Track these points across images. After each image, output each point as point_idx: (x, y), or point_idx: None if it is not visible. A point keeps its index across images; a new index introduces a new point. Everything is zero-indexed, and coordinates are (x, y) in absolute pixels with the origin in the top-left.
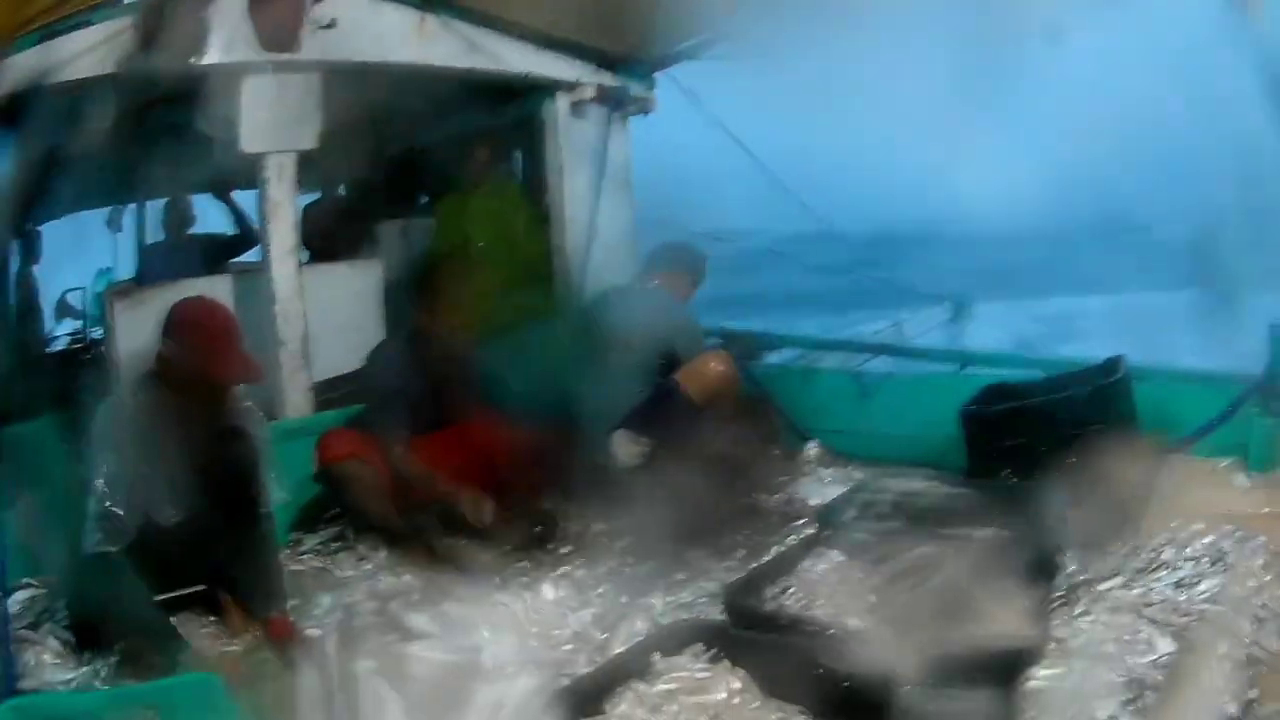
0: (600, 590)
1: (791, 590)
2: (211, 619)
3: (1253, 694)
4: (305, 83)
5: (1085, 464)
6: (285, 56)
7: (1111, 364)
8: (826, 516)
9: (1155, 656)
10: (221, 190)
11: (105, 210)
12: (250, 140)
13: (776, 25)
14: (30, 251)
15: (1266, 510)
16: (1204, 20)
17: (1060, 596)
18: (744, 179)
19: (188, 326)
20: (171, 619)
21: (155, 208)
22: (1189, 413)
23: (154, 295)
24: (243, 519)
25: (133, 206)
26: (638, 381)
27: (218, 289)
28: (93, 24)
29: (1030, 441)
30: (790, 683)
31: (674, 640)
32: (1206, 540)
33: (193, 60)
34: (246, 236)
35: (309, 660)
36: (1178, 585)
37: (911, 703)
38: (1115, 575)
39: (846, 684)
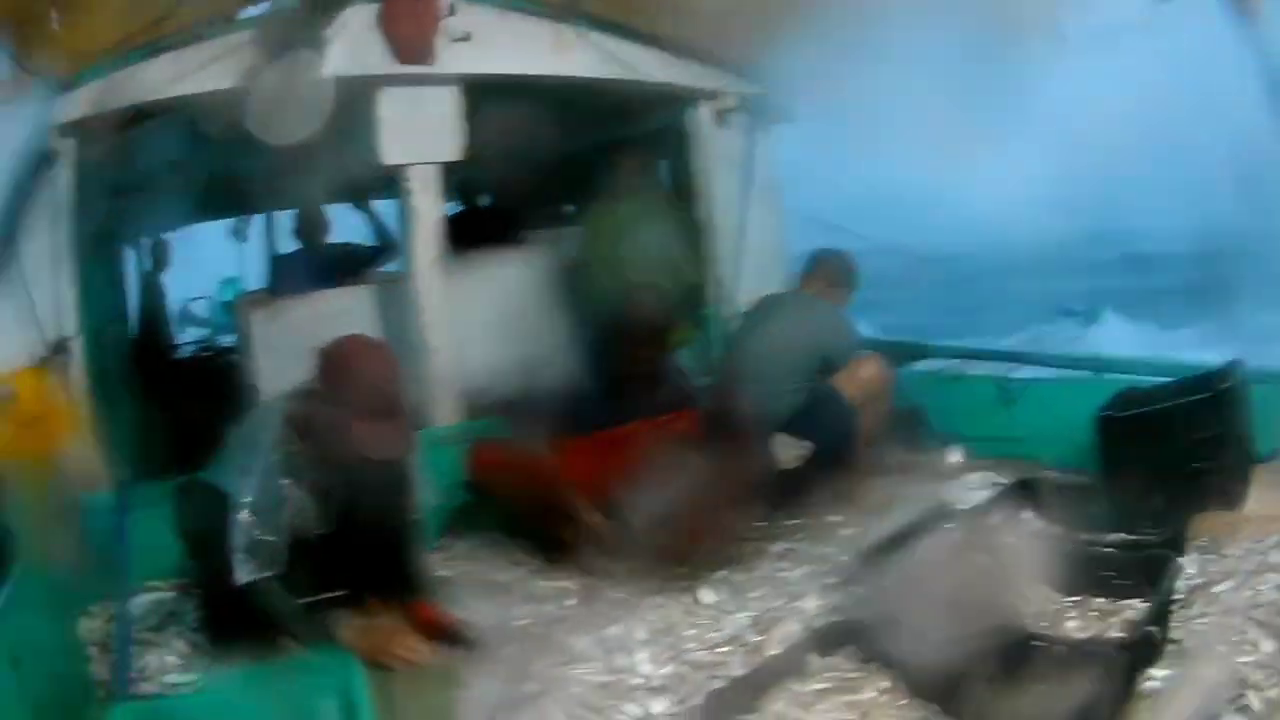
0: (757, 594)
1: None
2: (354, 618)
3: None
4: (445, 95)
5: (1204, 468)
6: (421, 69)
7: (1225, 370)
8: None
9: (1257, 656)
10: (360, 200)
11: (224, 220)
12: (391, 152)
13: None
14: (157, 259)
15: None
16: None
17: (1179, 599)
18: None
19: (343, 377)
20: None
21: (281, 217)
22: None
23: (291, 306)
24: (392, 528)
25: (258, 216)
26: (795, 386)
27: (358, 299)
28: (208, 39)
29: (1155, 445)
30: (934, 684)
31: (827, 641)
32: None
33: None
34: (386, 247)
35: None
36: None
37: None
38: (1228, 578)
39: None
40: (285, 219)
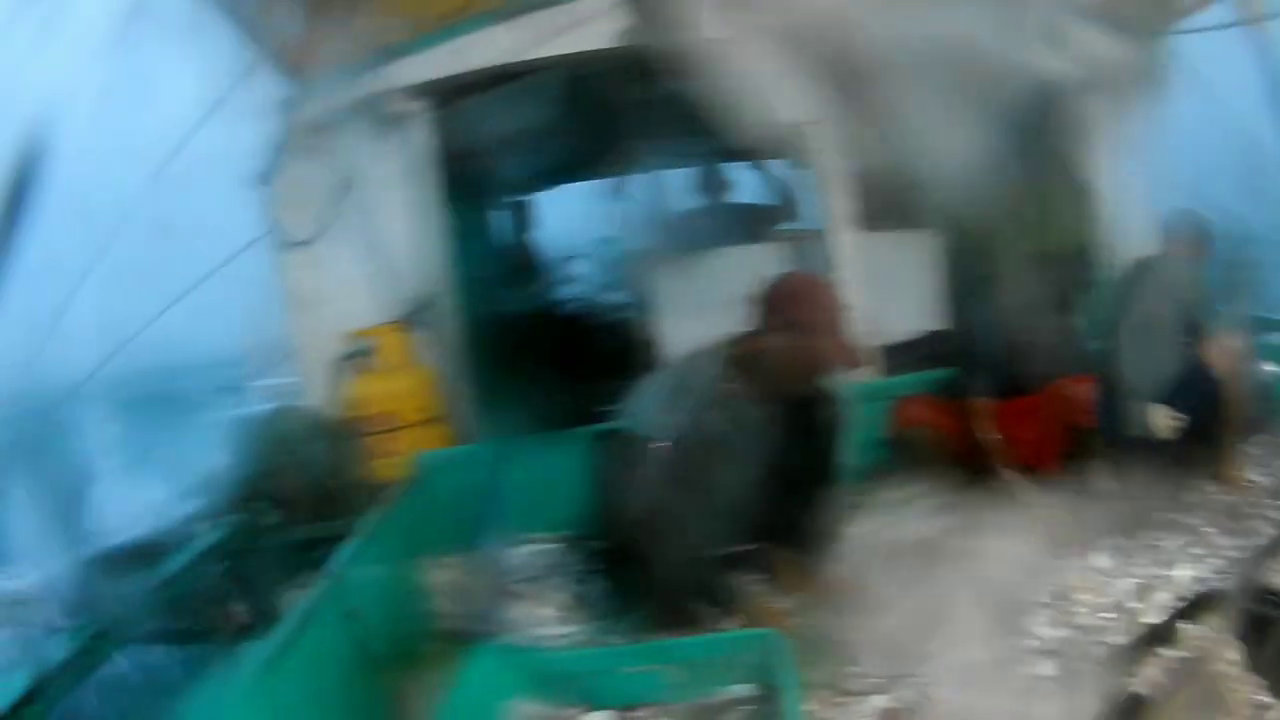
0: (1140, 561)
1: None
2: (760, 576)
3: None
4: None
5: None
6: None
7: None
8: None
9: None
10: (758, 159)
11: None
12: (788, 109)
13: None
14: (527, 218)
15: None
16: None
17: None
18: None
19: (792, 305)
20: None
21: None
22: None
23: (694, 262)
24: (815, 483)
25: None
26: (1167, 354)
27: (767, 256)
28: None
29: None
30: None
31: (1195, 610)
32: None
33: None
34: (785, 206)
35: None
36: None
37: None
38: None
39: None
40: (679, 178)
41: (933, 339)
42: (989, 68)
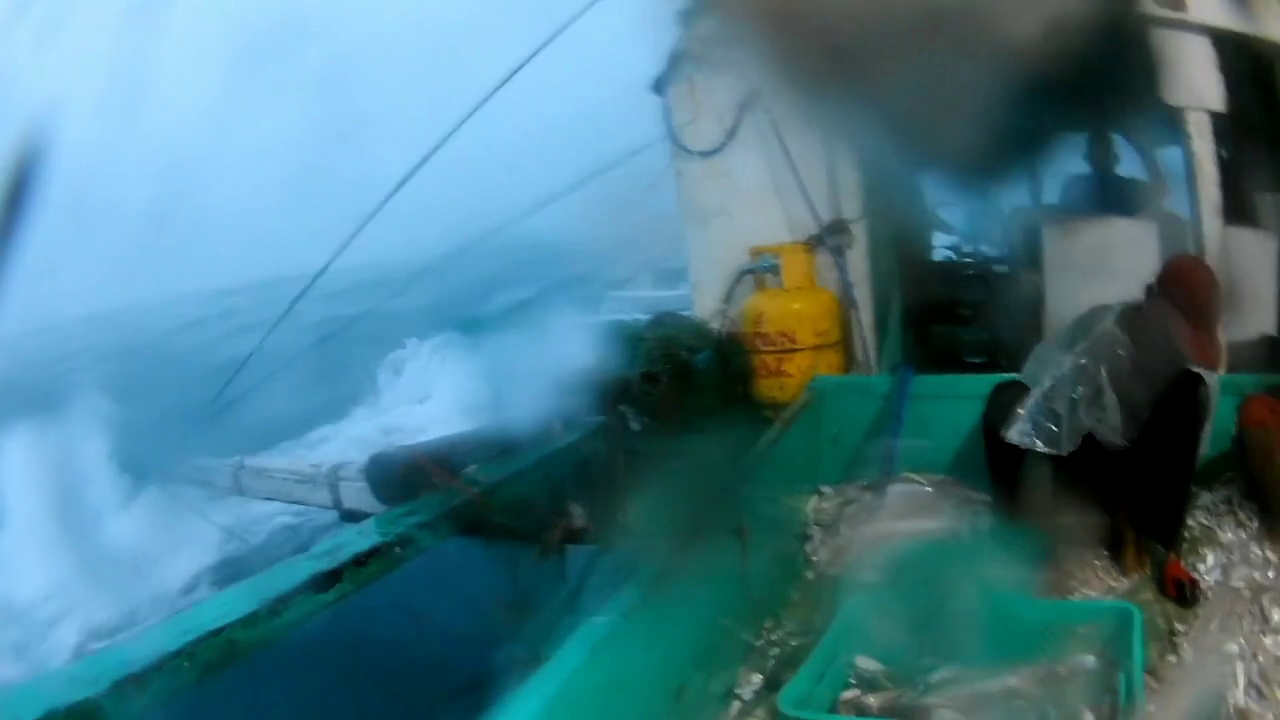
0: None
1: None
2: (1104, 553)
3: None
4: (1203, 45)
5: None
6: (1177, 15)
7: None
8: None
9: None
10: (1137, 136)
11: None
12: (1174, 92)
13: None
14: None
15: None
16: None
17: None
18: None
19: (1185, 293)
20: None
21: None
22: None
23: (1083, 227)
24: (1179, 461)
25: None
26: None
27: (1143, 232)
28: None
29: None
30: None
31: None
32: None
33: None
34: (1157, 188)
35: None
36: None
37: None
38: None
39: None
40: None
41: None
42: None
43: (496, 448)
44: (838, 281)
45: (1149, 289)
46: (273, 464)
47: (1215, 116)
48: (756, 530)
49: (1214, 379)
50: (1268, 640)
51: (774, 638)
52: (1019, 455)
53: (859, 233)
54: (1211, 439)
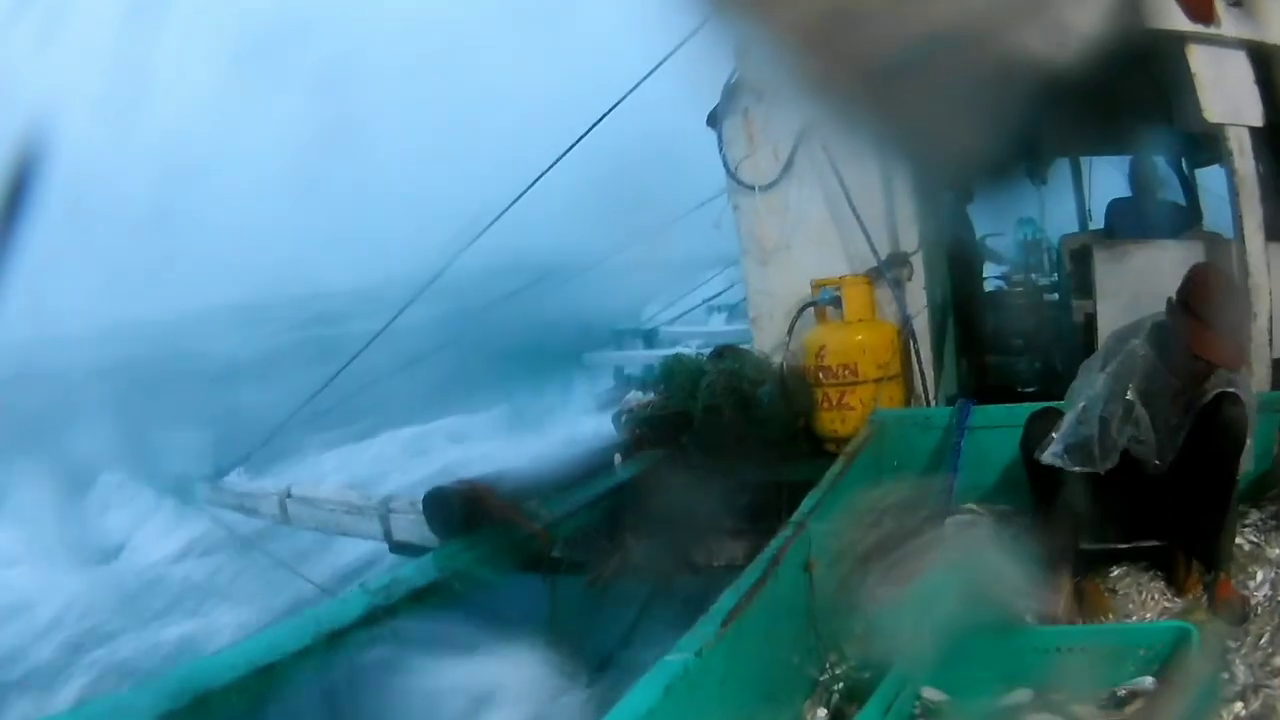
0: None
1: None
2: (1160, 573)
3: None
4: (1239, 59)
5: None
6: (1209, 30)
7: None
8: None
9: None
10: (1176, 159)
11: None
12: (1211, 110)
13: None
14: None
15: None
16: None
17: None
18: None
19: (1194, 294)
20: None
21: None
22: None
23: (1131, 250)
24: (1219, 481)
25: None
26: None
27: (1190, 253)
28: None
29: None
30: None
31: None
32: None
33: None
34: (1196, 210)
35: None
36: None
37: None
38: None
39: None
40: (1110, 167)
41: None
42: None
43: (556, 481)
44: (897, 314)
45: (1169, 302)
46: (321, 493)
47: (1255, 132)
48: (822, 564)
49: (1252, 398)
50: None
51: (838, 672)
52: (1059, 479)
53: (917, 264)
54: (1256, 456)
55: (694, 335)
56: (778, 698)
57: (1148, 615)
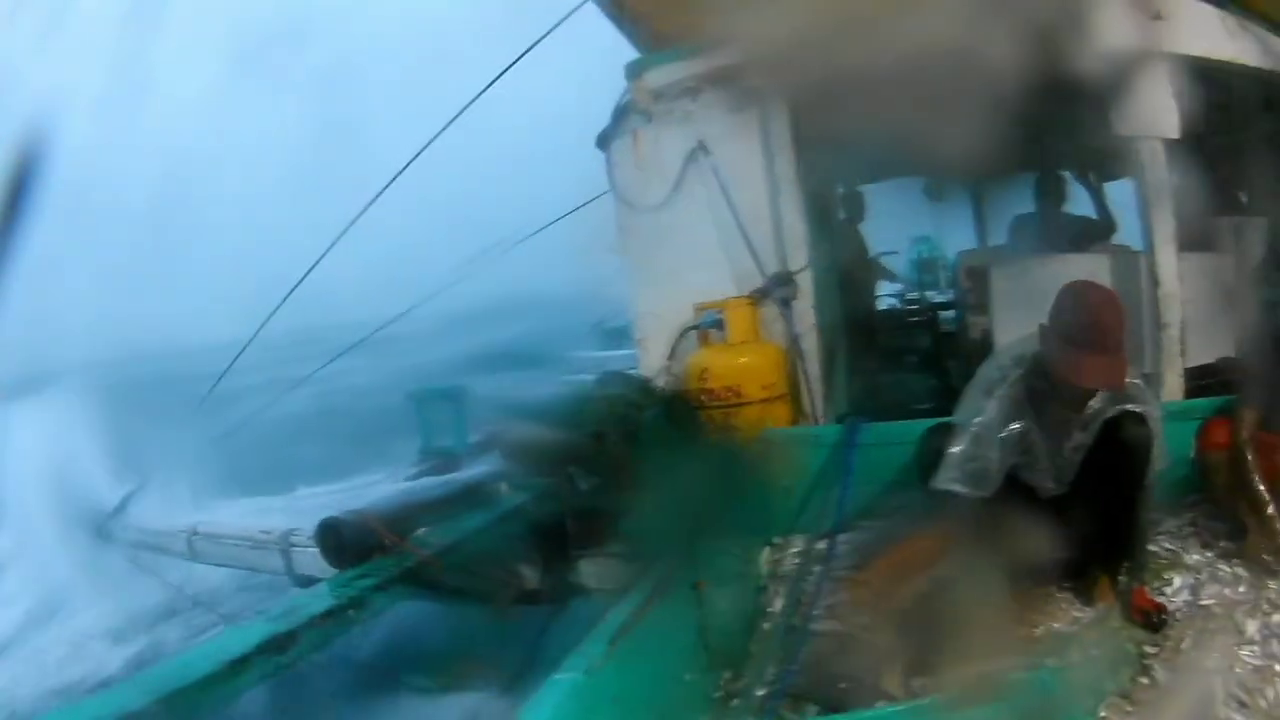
0: None
1: None
2: (1065, 585)
3: None
4: (1158, 72)
5: None
6: (1130, 44)
7: None
8: None
9: None
10: (1085, 173)
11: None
12: (1125, 123)
13: None
14: (855, 210)
15: None
16: None
17: None
18: None
19: (1064, 320)
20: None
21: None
22: None
23: (1030, 266)
24: (1127, 499)
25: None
26: None
27: (1096, 268)
28: None
29: None
30: None
31: None
32: None
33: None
34: (1106, 224)
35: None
36: None
37: None
38: None
39: None
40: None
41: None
42: None
43: (445, 509)
44: (784, 333)
45: (1041, 329)
46: (225, 529)
47: (1169, 144)
48: (712, 584)
49: (1156, 408)
50: (1244, 652)
51: (733, 689)
52: (958, 502)
53: (805, 283)
54: (1172, 463)
55: (583, 361)
56: (671, 716)
57: (1057, 626)
